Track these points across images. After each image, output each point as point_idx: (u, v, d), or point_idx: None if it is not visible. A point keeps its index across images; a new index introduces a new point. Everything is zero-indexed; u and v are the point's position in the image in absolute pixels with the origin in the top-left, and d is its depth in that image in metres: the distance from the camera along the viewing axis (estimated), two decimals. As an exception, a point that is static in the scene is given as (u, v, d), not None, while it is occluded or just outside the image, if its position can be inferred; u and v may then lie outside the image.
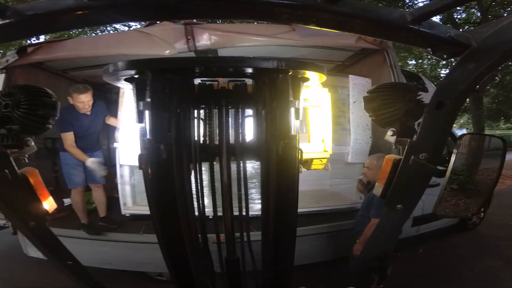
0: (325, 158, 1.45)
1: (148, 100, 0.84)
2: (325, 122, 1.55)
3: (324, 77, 0.92)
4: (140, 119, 0.87)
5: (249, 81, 0.92)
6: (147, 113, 0.86)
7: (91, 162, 3.25)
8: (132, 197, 3.44)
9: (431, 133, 0.78)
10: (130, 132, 3.03)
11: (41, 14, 0.57)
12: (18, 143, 0.71)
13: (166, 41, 3.04)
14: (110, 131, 4.11)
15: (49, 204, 0.77)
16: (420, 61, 12.65)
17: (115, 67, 0.84)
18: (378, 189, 0.89)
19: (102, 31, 9.45)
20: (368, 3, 0.67)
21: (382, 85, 0.87)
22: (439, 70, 12.59)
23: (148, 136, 0.86)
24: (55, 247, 0.86)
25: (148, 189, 0.92)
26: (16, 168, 0.70)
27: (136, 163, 2.46)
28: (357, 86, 3.49)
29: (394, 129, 0.83)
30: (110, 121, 3.62)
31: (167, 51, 3.06)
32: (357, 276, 2.79)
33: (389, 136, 0.84)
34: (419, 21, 0.65)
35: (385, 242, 1.14)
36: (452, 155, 0.80)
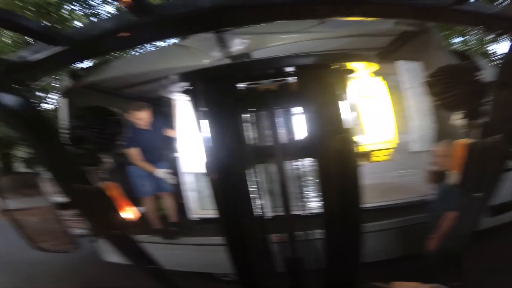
0: (389, 148, 1.37)
1: (206, 109, 0.89)
2: (382, 111, 1.47)
3: (373, 66, 0.89)
4: (200, 127, 0.93)
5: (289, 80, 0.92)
6: (206, 121, 0.91)
7: (160, 172, 3.47)
8: (197, 202, 3.61)
9: (503, 113, 0.72)
10: (187, 141, 3.20)
11: (93, 38, 0.63)
12: (95, 161, 0.80)
13: (202, 51, 3.16)
14: (169, 142, 4.36)
15: (132, 213, 0.85)
16: (466, 37, 11.32)
17: (174, 79, 0.91)
18: (454, 178, 0.84)
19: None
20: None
21: (442, 67, 0.84)
22: (486, 46, 11.13)
23: (210, 144, 0.91)
24: (138, 252, 0.95)
25: (214, 193, 0.97)
26: (95, 183, 0.79)
27: (198, 170, 2.59)
28: (408, 71, 3.26)
29: (463, 112, 0.79)
30: (169, 133, 3.81)
31: (204, 60, 3.17)
32: (432, 273, 2.57)
33: (458, 119, 0.81)
34: (462, 1, 0.62)
35: (464, 235, 1.05)
36: None
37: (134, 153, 3.42)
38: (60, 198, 0.71)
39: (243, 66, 0.93)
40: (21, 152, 13.51)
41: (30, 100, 0.66)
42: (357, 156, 0.92)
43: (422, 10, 0.65)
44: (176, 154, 3.52)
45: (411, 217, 3.12)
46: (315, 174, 0.98)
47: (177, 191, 3.90)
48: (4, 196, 0.73)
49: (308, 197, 0.98)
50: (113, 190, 0.83)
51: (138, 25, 0.60)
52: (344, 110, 0.86)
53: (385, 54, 4.00)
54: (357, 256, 0.99)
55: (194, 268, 3.46)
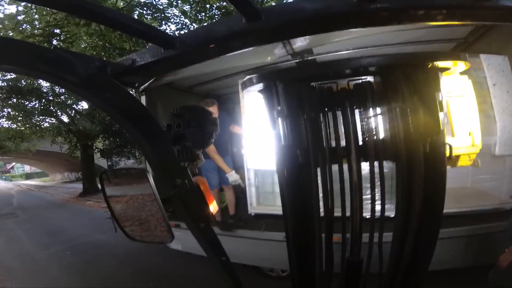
0: (474, 153, 1.27)
1: (282, 107, 0.90)
2: (470, 113, 1.35)
3: (466, 65, 0.83)
4: (274, 126, 0.94)
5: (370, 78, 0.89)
6: (279, 120, 0.93)
7: (233, 175, 3.60)
8: (257, 197, 3.74)
9: None
10: (254, 138, 3.31)
11: (205, 42, 0.67)
12: (192, 157, 0.86)
13: (266, 49, 3.16)
14: (234, 139, 4.53)
15: (213, 207, 0.91)
16: None
17: (251, 81, 0.94)
18: None
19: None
20: None
21: None
22: None
23: (283, 142, 0.93)
24: (215, 245, 1.01)
25: (283, 191, 0.99)
26: (192, 178, 0.85)
27: (260, 167, 2.67)
28: (494, 65, 2.92)
29: None
30: (235, 129, 4.01)
31: (269, 58, 3.18)
32: None
33: None
34: None
35: None
36: None
37: (212, 147, 3.55)
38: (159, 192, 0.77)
39: (322, 67, 0.92)
40: (100, 144, 15.08)
41: (137, 98, 0.73)
42: (446, 161, 0.87)
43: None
44: (242, 151, 3.66)
45: (488, 225, 2.86)
46: (396, 177, 0.94)
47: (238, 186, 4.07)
48: (107, 184, 0.82)
49: (379, 200, 0.95)
50: (204, 184, 0.89)
51: (249, 30, 0.62)
52: (435, 110, 0.81)
53: (465, 45, 3.64)
54: (427, 264, 0.95)
55: (245, 260, 3.58)
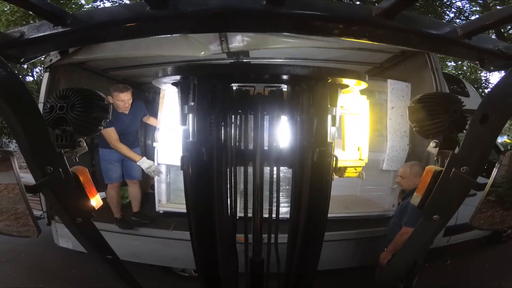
0: (360, 166, 1.44)
1: (193, 103, 0.88)
2: (362, 130, 1.53)
3: (364, 84, 0.92)
4: (184, 121, 0.92)
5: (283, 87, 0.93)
6: (190, 116, 0.90)
7: (145, 162, 3.33)
8: (167, 194, 3.57)
9: (474, 147, 0.76)
10: (168, 132, 3.12)
11: (100, 23, 0.61)
12: (71, 144, 0.77)
13: (201, 42, 3.09)
14: (147, 130, 4.26)
15: (96, 201, 0.83)
16: (459, 62, 11.97)
17: (165, 72, 0.89)
18: (416, 199, 0.89)
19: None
20: (421, 16, 0.66)
21: (426, 95, 0.87)
22: (479, 73, 11.84)
23: (191, 139, 0.91)
24: (98, 242, 0.92)
25: (187, 188, 0.97)
26: (68, 167, 0.76)
27: (172, 163, 2.57)
28: (396, 91, 3.36)
29: (437, 141, 0.83)
30: (150, 120, 3.76)
31: (202, 53, 3.11)
32: (382, 285, 2.70)
33: (432, 147, 0.84)
34: (470, 35, 0.63)
35: (417, 252, 1.13)
36: (494, 169, 0.78)
37: (111, 133, 3.28)
38: (27, 179, 0.67)
39: (240, 68, 0.93)
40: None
41: (14, 72, 0.63)
42: (332, 171, 0.95)
43: (427, 41, 0.66)
44: (153, 144, 3.43)
45: (372, 229, 3.29)
46: (291, 182, 1.00)
47: (144, 181, 3.83)
48: None
49: (278, 203, 1.00)
50: (85, 175, 0.80)
51: (153, 17, 0.59)
52: (329, 124, 0.89)
53: (380, 70, 4.12)
54: (315, 263, 1.03)
55: (152, 261, 3.45)
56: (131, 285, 1.05)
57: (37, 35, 0.61)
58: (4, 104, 0.62)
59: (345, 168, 1.35)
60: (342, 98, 0.95)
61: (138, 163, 3.33)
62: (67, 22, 0.60)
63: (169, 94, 3.11)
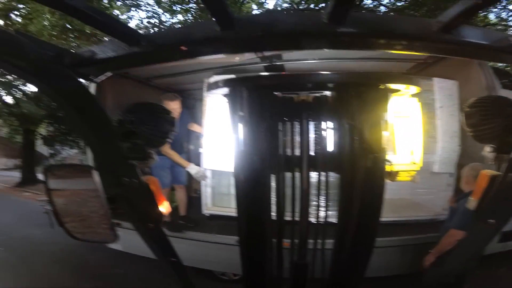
0: (414, 170, 1.39)
1: (242, 113, 0.91)
2: (414, 133, 1.47)
3: (417, 89, 0.90)
4: (235, 130, 0.95)
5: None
6: (241, 125, 0.93)
7: (193, 168, 3.47)
8: (212, 198, 3.68)
9: None
10: (213, 138, 3.24)
11: (174, 44, 0.66)
12: (143, 155, 0.84)
13: None
14: (190, 136, 4.40)
15: (165, 208, 0.89)
16: None
17: (218, 84, 0.94)
18: (472, 203, 0.88)
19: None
20: (478, 29, 0.65)
21: (479, 99, 0.85)
22: None
23: (242, 147, 0.94)
24: (165, 246, 0.98)
25: (239, 194, 1.00)
26: (141, 177, 0.82)
27: (217, 168, 2.64)
28: (443, 89, 3.18)
29: (493, 146, 0.81)
30: (194, 127, 3.88)
31: (237, 58, 3.18)
32: None
33: (487, 152, 0.83)
34: None
35: (469, 258, 1.08)
36: None
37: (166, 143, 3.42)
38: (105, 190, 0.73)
39: (288, 79, 0.95)
40: (43, 129, 13.90)
41: (89, 90, 0.69)
42: (385, 176, 0.94)
43: (485, 52, 0.66)
44: (199, 150, 3.56)
45: (423, 235, 3.10)
46: (339, 188, 1.00)
47: (191, 185, 3.95)
48: (49, 175, 0.76)
49: (326, 208, 1.00)
50: (155, 184, 0.86)
51: (222, 39, 0.62)
52: (381, 129, 0.88)
53: (423, 66, 3.90)
54: (363, 269, 1.02)
55: (195, 263, 3.49)
56: (188, 287, 1.10)
57: (111, 55, 0.67)
58: (80, 120, 0.68)
59: (397, 172, 1.31)
60: (392, 101, 0.93)
61: (187, 169, 3.48)
62: (142, 43, 0.64)
63: (211, 101, 3.21)
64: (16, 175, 14.82)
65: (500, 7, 8.18)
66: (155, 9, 9.84)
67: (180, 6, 9.44)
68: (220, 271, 3.69)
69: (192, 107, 5.25)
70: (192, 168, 3.46)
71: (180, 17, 9.88)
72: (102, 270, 4.31)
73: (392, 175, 1.30)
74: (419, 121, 1.56)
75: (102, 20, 0.59)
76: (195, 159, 3.74)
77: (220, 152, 3.18)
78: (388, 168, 0.93)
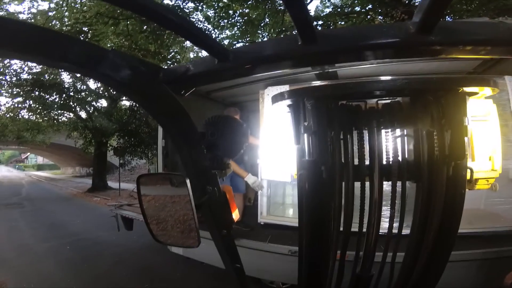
0: (493, 178, 1.28)
1: (309, 123, 0.91)
2: (492, 137, 1.35)
3: (494, 91, 0.84)
4: (298, 140, 0.96)
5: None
6: (305, 135, 0.94)
7: (251, 178, 3.65)
8: (267, 207, 3.75)
9: None
10: (270, 150, 3.33)
11: (258, 58, 0.69)
12: (222, 165, 0.89)
13: None
14: (249, 148, 4.54)
15: (235, 215, 0.94)
16: None
17: (283, 96, 0.96)
18: None
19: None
20: (461, 22, 0.62)
21: None
22: None
23: (307, 157, 0.94)
24: (232, 252, 1.03)
25: (302, 204, 0.99)
26: (220, 186, 0.88)
27: (273, 178, 2.68)
28: (517, 88, 2.86)
29: None
30: (250, 139, 4.00)
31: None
32: None
33: None
34: None
35: None
36: None
37: None
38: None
39: (354, 87, 0.95)
40: (114, 142, 15.27)
41: (182, 106, 0.75)
42: (466, 184, 0.88)
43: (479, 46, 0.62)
44: (257, 161, 3.69)
45: (499, 248, 2.82)
46: (416, 197, 0.96)
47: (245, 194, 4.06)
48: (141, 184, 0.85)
49: (396, 219, 0.96)
50: (230, 192, 0.92)
51: (304, 53, 0.64)
52: (462, 134, 0.83)
53: (491, 63, 3.56)
54: (434, 284, 0.97)
55: (246, 271, 3.54)
56: None
57: (201, 70, 0.73)
58: (176, 132, 0.75)
59: (476, 180, 1.22)
60: (469, 105, 0.88)
61: (245, 179, 3.65)
62: (229, 58, 0.68)
63: (267, 113, 3.28)
64: (88, 181, 16.45)
65: None
66: (205, 26, 10.35)
67: (226, 21, 9.75)
68: (268, 280, 3.72)
69: (247, 118, 5.40)
70: (249, 178, 3.61)
71: (227, 32, 10.19)
72: (162, 272, 4.55)
73: (471, 183, 1.21)
74: (497, 124, 1.42)
75: (196, 35, 0.63)
76: (251, 170, 3.86)
77: (275, 163, 3.25)
78: (469, 176, 0.88)
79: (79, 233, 6.98)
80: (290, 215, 3.77)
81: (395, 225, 0.98)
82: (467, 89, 0.83)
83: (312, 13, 9.91)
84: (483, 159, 1.28)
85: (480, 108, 1.33)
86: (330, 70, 3.58)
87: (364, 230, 0.97)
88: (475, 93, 0.86)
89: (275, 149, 3.22)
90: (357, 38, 0.63)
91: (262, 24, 9.76)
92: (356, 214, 0.96)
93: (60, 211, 10.05)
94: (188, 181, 0.76)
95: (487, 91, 0.86)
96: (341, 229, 0.97)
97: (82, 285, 4.30)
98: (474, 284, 2.89)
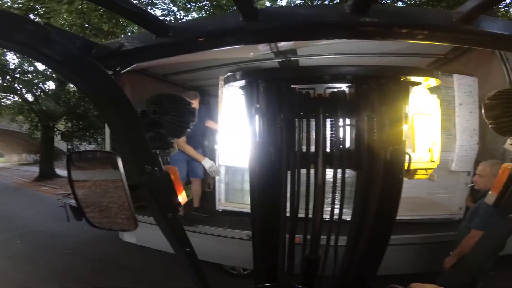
0: (431, 168, 1.38)
1: (261, 105, 0.91)
2: (433, 131, 1.46)
3: (437, 81, 0.89)
4: (251, 122, 0.96)
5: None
6: (257, 117, 0.94)
7: (207, 162, 3.54)
8: (226, 194, 3.72)
9: None
10: (228, 135, 3.26)
11: (200, 34, 0.66)
12: (165, 145, 0.85)
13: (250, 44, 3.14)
14: (208, 133, 4.47)
15: (182, 197, 0.90)
16: None
17: (232, 75, 0.94)
18: (491, 198, 0.87)
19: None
20: (498, 19, 0.65)
21: (502, 91, 0.83)
22: None
23: (258, 139, 0.94)
24: (181, 236, 1.00)
25: (253, 186, 1.01)
26: (162, 166, 0.84)
27: (232, 164, 2.67)
28: (463, 86, 3.11)
29: None
30: (210, 124, 3.97)
31: (252, 53, 3.18)
32: None
33: (509, 144, 0.82)
34: None
35: (487, 256, 1.07)
36: None
37: (182, 137, 3.47)
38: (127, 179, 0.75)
39: (303, 71, 0.95)
40: (62, 126, 14.31)
41: (115, 81, 0.71)
42: (404, 169, 0.93)
43: (506, 42, 0.64)
44: (215, 146, 3.61)
45: (437, 234, 3.09)
46: (356, 184, 0.99)
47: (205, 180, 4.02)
48: (72, 168, 0.78)
49: (340, 205, 0.99)
50: (174, 173, 0.88)
51: (246, 29, 0.63)
52: (401, 121, 0.87)
53: (443, 61, 3.84)
54: (376, 267, 1.02)
55: (206, 257, 3.50)
56: (200, 278, 1.12)
57: (137, 46, 0.68)
58: (108, 109, 0.70)
59: (416, 170, 1.31)
60: (412, 98, 0.92)
61: (202, 163, 3.55)
62: (169, 34, 0.65)
63: (227, 98, 3.23)
64: (35, 169, 15.32)
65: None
66: (170, 7, 10.01)
67: (194, 4, 9.50)
68: (230, 266, 3.75)
69: (207, 103, 5.31)
70: (206, 162, 3.52)
71: (194, 14, 9.97)
72: (118, 262, 4.40)
73: (411, 172, 1.29)
74: (438, 118, 1.54)
75: (131, 10, 0.60)
76: (210, 155, 3.79)
77: (234, 149, 3.20)
78: (409, 162, 0.92)
79: (28, 225, 6.51)
80: (249, 202, 3.70)
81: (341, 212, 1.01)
82: (409, 79, 0.86)
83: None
84: (423, 151, 1.39)
85: (424, 103, 1.42)
86: (292, 59, 3.64)
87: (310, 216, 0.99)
88: (418, 83, 0.89)
89: (233, 134, 3.16)
90: (296, 16, 0.62)
91: (231, 10, 9.63)
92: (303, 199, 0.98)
93: (7, 203, 9.27)
94: (119, 159, 0.71)
95: (432, 82, 0.90)
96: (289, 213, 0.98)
97: (37, 280, 4.03)
98: (416, 267, 3.13)
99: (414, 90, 0.91)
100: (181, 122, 0.87)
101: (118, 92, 0.71)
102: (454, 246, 2.53)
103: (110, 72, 0.70)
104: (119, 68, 0.73)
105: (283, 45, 3.08)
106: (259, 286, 1.04)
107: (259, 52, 3.17)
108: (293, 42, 2.99)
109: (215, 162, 3.54)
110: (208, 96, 5.35)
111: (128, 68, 0.74)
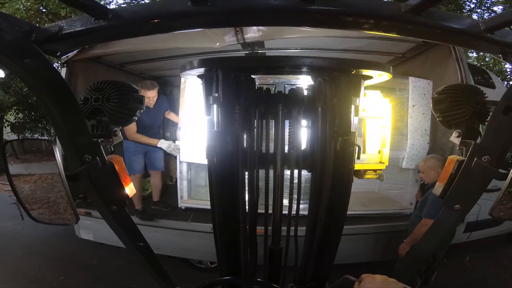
0: (380, 169, 1.47)
1: (219, 94, 0.89)
2: (384, 133, 1.55)
3: (388, 76, 0.92)
4: (208, 112, 0.94)
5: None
6: (215, 106, 0.92)
7: (163, 143, 3.44)
8: (188, 191, 3.61)
9: (496, 137, 0.78)
10: (190, 131, 3.14)
11: (142, 18, 0.64)
12: (107, 133, 0.81)
13: (216, 34, 3.10)
14: (166, 124, 4.33)
15: (129, 189, 0.86)
16: (481, 54, 11.48)
17: (190, 63, 0.91)
18: (438, 189, 0.91)
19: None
20: (447, 13, 0.68)
21: (450, 86, 0.88)
22: (504, 64, 11.35)
23: (215, 128, 0.93)
24: (130, 230, 0.96)
25: (211, 177, 0.99)
26: (105, 156, 0.80)
27: (194, 160, 2.61)
28: (418, 88, 3.28)
29: (460, 131, 0.84)
30: (170, 115, 3.84)
31: (217, 44, 3.12)
32: (400, 278, 2.65)
33: (454, 137, 0.86)
34: (493, 30, 0.65)
35: (437, 243, 1.15)
36: None
37: (132, 126, 3.34)
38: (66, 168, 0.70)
39: (262, 60, 0.94)
40: (12, 116, 13.17)
41: (53, 66, 0.66)
42: (354, 159, 0.96)
43: (452, 35, 0.67)
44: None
45: (391, 224, 3.28)
46: (312, 176, 1.02)
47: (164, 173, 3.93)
48: (8, 161, 0.72)
49: (296, 198, 1.01)
50: (120, 163, 0.83)
51: (194, 13, 0.61)
52: (350, 113, 0.89)
53: (401, 60, 4.04)
54: (332, 256, 1.06)
55: (171, 252, 3.49)
56: (159, 273, 1.09)
57: (76, 29, 0.65)
58: (45, 96, 0.65)
59: (365, 170, 1.39)
60: (365, 101, 0.95)
61: (158, 145, 3.44)
62: (108, 17, 0.62)
63: (189, 90, 3.13)
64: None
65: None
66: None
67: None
68: (196, 260, 3.70)
69: (169, 93, 5.17)
70: (162, 143, 3.44)
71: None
72: (77, 261, 4.16)
73: (360, 172, 1.38)
74: (390, 122, 1.66)
75: None
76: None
77: (197, 145, 3.10)
78: (359, 152, 0.96)
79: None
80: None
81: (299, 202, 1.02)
82: (361, 72, 0.89)
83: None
84: (373, 152, 1.48)
85: (376, 106, 1.51)
86: (259, 51, 3.66)
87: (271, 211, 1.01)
88: (370, 77, 0.93)
89: (195, 129, 3.04)
90: (247, 0, 0.62)
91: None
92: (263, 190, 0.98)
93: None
94: (56, 147, 0.66)
95: (384, 77, 0.94)
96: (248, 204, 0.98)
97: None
98: (375, 255, 3.33)
99: (368, 94, 0.94)
100: (125, 110, 0.82)
101: (56, 77, 0.67)
102: (408, 235, 2.73)
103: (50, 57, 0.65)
104: (59, 53, 0.68)
105: (250, 36, 3.05)
106: (224, 279, 1.04)
107: (225, 43, 3.11)
108: (260, 33, 3.01)
109: (176, 158, 3.45)
110: (171, 87, 5.20)
111: (70, 54, 0.70)
